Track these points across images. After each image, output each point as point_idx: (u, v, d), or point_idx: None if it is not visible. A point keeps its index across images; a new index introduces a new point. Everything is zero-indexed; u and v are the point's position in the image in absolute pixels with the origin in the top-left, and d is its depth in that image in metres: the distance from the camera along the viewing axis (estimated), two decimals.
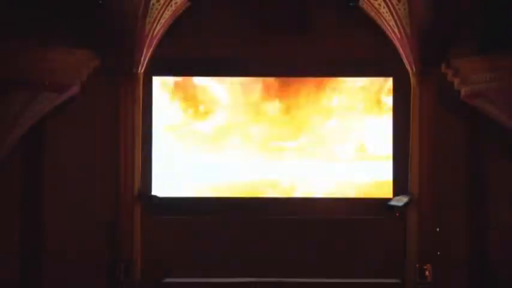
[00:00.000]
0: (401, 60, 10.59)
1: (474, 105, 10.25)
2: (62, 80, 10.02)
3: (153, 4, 10.34)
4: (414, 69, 10.50)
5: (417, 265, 10.43)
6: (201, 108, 11.10)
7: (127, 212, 10.54)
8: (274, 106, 11.08)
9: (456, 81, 10.31)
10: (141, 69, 10.62)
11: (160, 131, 11.03)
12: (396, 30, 10.41)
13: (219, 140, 11.06)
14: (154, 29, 10.50)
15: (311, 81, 11.05)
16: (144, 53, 10.52)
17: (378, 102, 11.03)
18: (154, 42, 10.61)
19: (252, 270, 10.61)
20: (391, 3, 10.31)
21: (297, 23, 10.88)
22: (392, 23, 10.41)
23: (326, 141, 11.03)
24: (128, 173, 10.55)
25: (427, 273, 10.37)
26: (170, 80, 11.07)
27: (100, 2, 10.17)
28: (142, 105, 10.73)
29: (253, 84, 11.08)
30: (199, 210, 10.94)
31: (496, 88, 9.85)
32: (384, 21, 10.50)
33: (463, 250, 10.60)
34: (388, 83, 11.00)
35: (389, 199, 10.85)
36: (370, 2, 10.51)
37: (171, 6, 10.54)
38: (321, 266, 10.71)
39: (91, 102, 10.63)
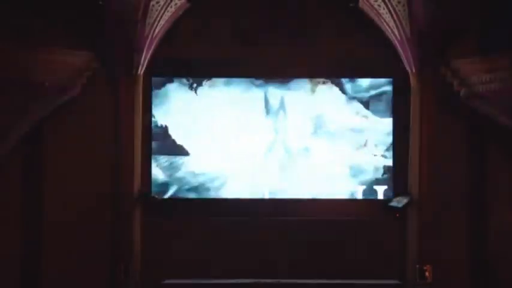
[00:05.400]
0: (401, 60, 10.60)
1: (474, 106, 10.25)
2: (62, 81, 10.05)
3: (153, 5, 10.38)
4: (414, 69, 10.51)
5: (417, 265, 10.42)
6: None
7: (127, 212, 10.55)
8: None
9: (456, 82, 10.32)
10: (141, 70, 10.65)
11: None
12: (396, 31, 10.42)
13: None
14: (154, 30, 10.53)
15: None
16: (144, 53, 10.55)
17: None
18: (154, 43, 10.65)
19: (252, 271, 10.60)
20: (391, 4, 10.33)
21: (298, 24, 10.91)
22: (392, 23, 10.43)
23: None
24: (127, 173, 10.58)
25: (427, 273, 10.37)
26: None
27: (100, 3, 10.19)
28: (142, 105, 10.76)
29: None
30: (199, 211, 10.94)
31: (495, 89, 9.86)
32: (383, 22, 10.51)
33: (463, 250, 10.59)
34: None
35: (389, 200, 10.86)
36: (369, 2, 10.53)
37: (171, 7, 10.57)
38: (321, 266, 10.70)
39: (91, 102, 10.65)
